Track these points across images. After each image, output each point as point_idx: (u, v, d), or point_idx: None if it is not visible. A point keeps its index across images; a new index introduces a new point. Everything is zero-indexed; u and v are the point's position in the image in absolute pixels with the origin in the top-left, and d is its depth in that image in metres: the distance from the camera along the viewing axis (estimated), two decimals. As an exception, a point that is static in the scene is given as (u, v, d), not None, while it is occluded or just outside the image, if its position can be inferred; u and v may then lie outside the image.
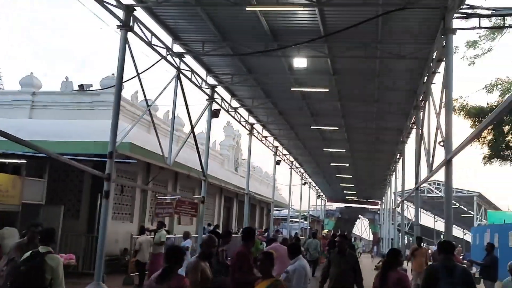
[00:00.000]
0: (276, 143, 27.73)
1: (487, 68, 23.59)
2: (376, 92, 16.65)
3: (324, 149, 27.28)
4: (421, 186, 22.73)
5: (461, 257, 15.51)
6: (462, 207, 50.81)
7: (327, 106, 19.13)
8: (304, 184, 39.78)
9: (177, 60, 14.17)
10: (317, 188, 48.57)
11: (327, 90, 16.23)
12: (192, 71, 15.29)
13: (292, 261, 7.20)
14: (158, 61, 13.27)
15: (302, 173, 38.81)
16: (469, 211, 50.76)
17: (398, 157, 25.87)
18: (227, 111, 19.11)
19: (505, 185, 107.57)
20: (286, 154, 31.40)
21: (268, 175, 41.95)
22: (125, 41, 10.93)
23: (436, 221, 59.79)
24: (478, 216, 42.35)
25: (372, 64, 14.29)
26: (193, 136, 15.81)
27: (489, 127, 17.99)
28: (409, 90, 15.86)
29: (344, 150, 27.12)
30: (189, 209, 16.22)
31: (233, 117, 20.04)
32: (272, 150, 27.79)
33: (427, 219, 59.81)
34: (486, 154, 20.03)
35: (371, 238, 57.68)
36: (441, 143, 9.63)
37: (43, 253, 5.67)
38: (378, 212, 54.44)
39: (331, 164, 32.33)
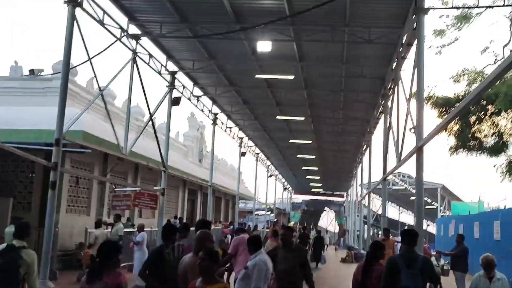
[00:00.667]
0: (241, 134, 27.03)
1: (454, 58, 23.47)
2: (343, 80, 16.13)
3: (290, 141, 26.74)
4: (387, 178, 22.51)
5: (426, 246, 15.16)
6: (426, 198, 51.34)
7: (293, 95, 18.51)
8: (270, 176, 39.28)
9: (133, 42, 13.29)
10: (283, 180, 48.19)
11: (292, 77, 15.60)
12: (150, 55, 14.41)
13: (253, 255, 6.51)
14: (112, 43, 12.40)
15: (268, 166, 38.30)
16: (433, 203, 51.30)
17: (364, 148, 25.59)
18: (189, 99, 18.28)
19: (467, 177, 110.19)
20: (252, 146, 30.75)
21: (233, 167, 41.26)
22: (72, 18, 10.02)
23: (401, 213, 60.41)
24: (441, 208, 42.71)
25: (339, 49, 13.72)
26: (152, 124, 14.96)
27: (456, 118, 17.76)
28: (377, 78, 15.38)
29: (311, 141, 26.64)
30: (148, 201, 15.42)
31: (196, 106, 19.21)
32: (237, 142, 27.08)
33: (392, 211, 60.36)
34: (453, 145, 19.82)
35: (337, 230, 57.80)
36: (412, 130, 9.13)
37: (18, 248, 5.42)
38: (344, 204, 54.54)
39: (298, 156, 31.85)
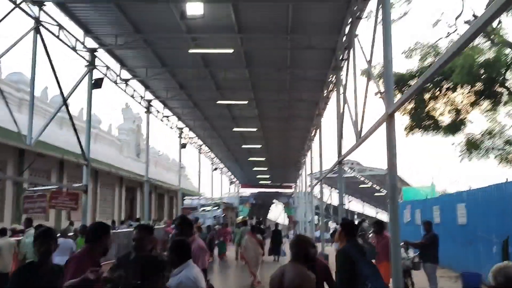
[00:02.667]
0: (180, 124, 24.79)
1: (404, 33, 22.18)
2: (289, 53, 14.27)
3: (234, 129, 24.75)
4: (334, 167, 20.94)
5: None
6: (375, 185, 50.88)
7: (234, 74, 16.53)
8: (215, 169, 37.22)
9: (36, 9, 10.90)
10: (229, 173, 46.20)
11: (231, 50, 13.59)
12: (60, 26, 12.00)
13: (176, 270, 4.49)
14: (11, 11, 10.07)
15: (213, 158, 36.21)
16: (381, 190, 50.97)
17: (313, 134, 24.01)
18: (115, 82, 15.92)
19: (417, 162, 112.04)
20: (193, 137, 28.54)
21: (176, 162, 38.82)
22: None
23: (350, 201, 59.91)
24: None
25: (283, 16, 11.84)
26: (66, 109, 12.56)
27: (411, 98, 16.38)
28: (327, 48, 13.63)
29: (256, 129, 24.77)
30: (67, 201, 13.02)
31: (125, 91, 16.84)
32: (176, 132, 24.83)
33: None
34: (408, 125, 18.52)
35: (287, 222, 56.53)
36: (379, 94, 7.38)
37: None
38: (293, 195, 53.32)
39: (243, 146, 29.91)
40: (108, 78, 15.29)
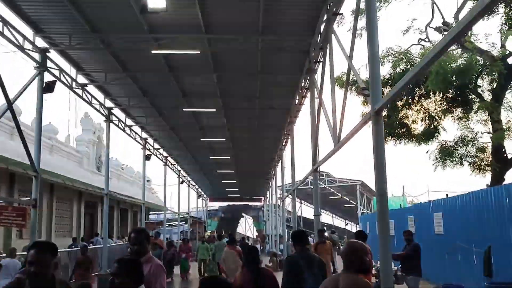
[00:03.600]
0: (144, 135, 23.57)
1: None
2: (259, 55, 13.39)
3: (202, 139, 23.69)
4: (309, 175, 20.14)
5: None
6: (344, 197, 50.46)
7: (201, 79, 15.57)
8: (182, 182, 35.91)
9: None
10: (197, 187, 44.90)
11: (198, 52, 12.64)
12: (5, 21, 10.79)
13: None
14: None
15: (180, 171, 34.93)
16: (351, 201, 50.60)
17: (284, 143, 23.19)
18: (71, 88, 14.67)
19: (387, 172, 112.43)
20: (159, 148, 27.29)
21: (141, 175, 37.32)
22: None
23: (321, 213, 59.29)
24: (360, 206, 41.58)
25: (253, 15, 10.99)
26: (12, 116, 11.31)
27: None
28: (301, 51, 12.83)
29: (224, 139, 23.79)
30: (13, 217, 11.63)
31: (80, 97, 15.59)
32: (140, 143, 23.56)
33: (311, 212, 59.20)
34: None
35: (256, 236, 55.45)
36: (365, 91, 6.57)
37: None
38: (263, 208, 52.37)
39: (211, 157, 28.82)
40: (63, 83, 14.05)
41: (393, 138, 18.20)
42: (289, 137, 19.54)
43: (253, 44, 12.64)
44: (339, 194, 49.63)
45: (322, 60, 11.61)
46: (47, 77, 12.69)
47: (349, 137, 7.60)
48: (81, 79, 15.38)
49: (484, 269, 10.39)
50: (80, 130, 27.50)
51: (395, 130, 18.11)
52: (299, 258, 5.44)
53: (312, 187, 39.55)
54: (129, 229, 34.43)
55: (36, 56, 12.38)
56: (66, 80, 14.20)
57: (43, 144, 22.14)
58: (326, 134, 9.86)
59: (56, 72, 13.46)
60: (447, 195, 14.60)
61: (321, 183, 44.52)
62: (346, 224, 69.00)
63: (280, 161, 25.13)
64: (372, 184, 48.15)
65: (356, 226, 61.92)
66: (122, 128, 20.27)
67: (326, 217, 62.19)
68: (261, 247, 38.77)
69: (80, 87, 15.31)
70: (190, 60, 13.92)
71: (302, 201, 56.81)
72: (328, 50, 10.21)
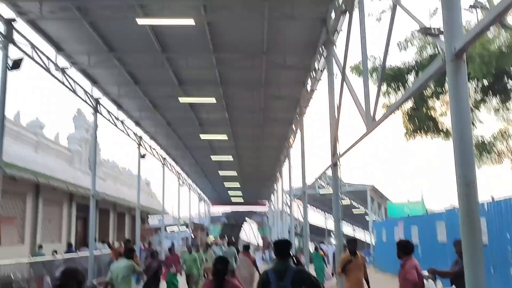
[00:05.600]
0: (139, 132, 21.51)
1: (398, 25, 19.50)
2: (266, 25, 11.24)
3: (202, 136, 21.58)
4: (310, 183, 18.01)
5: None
6: (353, 201, 48.03)
7: (198, 62, 13.53)
8: (182, 184, 33.84)
9: None
10: (198, 190, 42.79)
11: (192, 21, 10.53)
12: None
13: None
14: None
15: (180, 173, 32.86)
16: (359, 206, 48.22)
17: (292, 140, 21.05)
18: (48, 70, 12.60)
19: (398, 178, 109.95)
20: (155, 148, 25.22)
21: (141, 178, 35.21)
22: None
23: (327, 219, 56.92)
24: (371, 212, 39.13)
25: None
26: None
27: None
28: (315, 19, 10.73)
29: (226, 137, 21.67)
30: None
31: (61, 82, 13.52)
32: (135, 141, 21.50)
33: (318, 218, 57.01)
34: (409, 128, 15.71)
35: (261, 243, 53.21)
36: (431, 30, 4.48)
37: None
38: (267, 213, 50.19)
39: (212, 156, 26.69)
40: (38, 63, 12.00)
41: (422, 133, 16.01)
42: (298, 131, 17.33)
43: (258, 13, 10.55)
44: (347, 199, 47.26)
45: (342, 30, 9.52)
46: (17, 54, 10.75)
47: (393, 110, 5.45)
48: (62, 62, 13.33)
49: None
50: (72, 128, 25.43)
51: (423, 124, 15.94)
52: (271, 271, 5.29)
53: (319, 192, 37.35)
54: (126, 234, 32.29)
55: (1, 27, 10.39)
56: (41, 59, 12.15)
57: (28, 140, 20.12)
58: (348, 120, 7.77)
59: (28, 50, 11.44)
60: (492, 197, 12.34)
61: (328, 186, 42.23)
62: (354, 230, 66.56)
63: (286, 160, 22.97)
64: (383, 189, 45.90)
65: (365, 232, 59.57)
66: (113, 122, 18.20)
67: (333, 223, 59.90)
68: (263, 256, 36.19)
69: (59, 70, 13.24)
70: (184, 36, 11.86)
71: (308, 206, 54.60)
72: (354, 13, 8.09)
